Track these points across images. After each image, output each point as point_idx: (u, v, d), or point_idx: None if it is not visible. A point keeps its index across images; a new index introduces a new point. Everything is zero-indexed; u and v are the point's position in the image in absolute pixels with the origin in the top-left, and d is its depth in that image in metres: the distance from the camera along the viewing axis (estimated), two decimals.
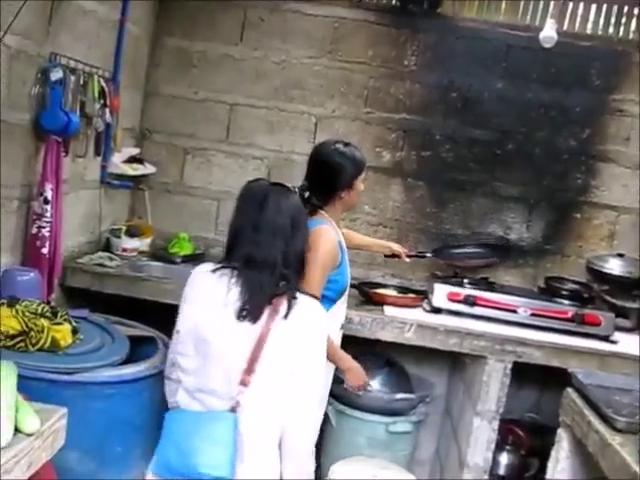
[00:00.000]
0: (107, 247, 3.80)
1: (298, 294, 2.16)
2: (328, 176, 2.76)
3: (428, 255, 3.76)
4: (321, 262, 2.61)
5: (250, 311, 2.09)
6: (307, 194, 2.72)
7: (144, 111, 4.14)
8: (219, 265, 2.20)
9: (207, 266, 2.22)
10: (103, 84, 3.31)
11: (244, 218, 2.20)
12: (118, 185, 3.78)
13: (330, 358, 2.63)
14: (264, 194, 2.21)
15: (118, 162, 3.70)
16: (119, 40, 3.53)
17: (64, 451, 1.78)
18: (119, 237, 3.78)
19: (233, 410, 2.05)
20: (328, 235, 2.68)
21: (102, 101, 3.31)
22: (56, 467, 1.88)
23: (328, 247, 2.66)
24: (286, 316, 2.09)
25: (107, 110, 3.35)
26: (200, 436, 2.03)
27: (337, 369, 2.86)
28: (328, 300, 2.72)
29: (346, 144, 2.81)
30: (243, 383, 2.06)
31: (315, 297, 2.36)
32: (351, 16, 4.04)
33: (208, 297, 2.16)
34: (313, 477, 2.25)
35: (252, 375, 2.06)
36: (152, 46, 4.09)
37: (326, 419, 3.43)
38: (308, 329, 2.14)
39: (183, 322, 2.19)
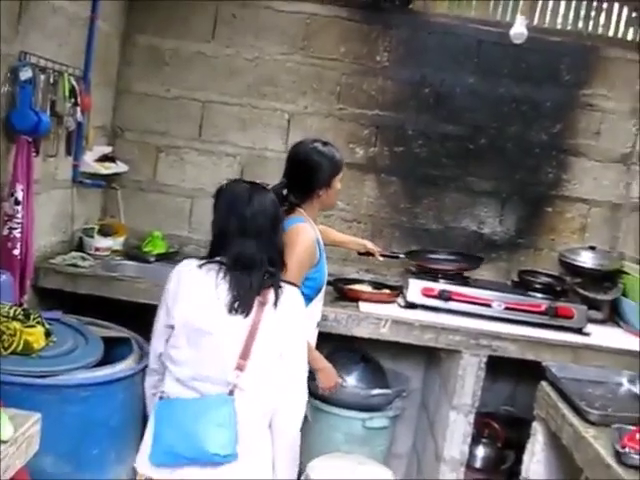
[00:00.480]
0: (80, 247, 3.76)
1: (282, 283, 2.31)
2: (306, 174, 2.77)
3: (401, 256, 3.76)
4: (299, 260, 2.63)
5: (241, 306, 2.22)
6: (285, 192, 2.74)
7: (116, 109, 4.10)
8: (204, 261, 2.31)
9: (192, 262, 2.33)
10: (74, 82, 3.27)
11: (229, 218, 2.29)
12: (90, 184, 3.73)
13: None
14: (248, 195, 2.30)
15: (90, 161, 3.66)
16: (89, 38, 3.49)
17: (39, 455, 1.76)
18: (92, 236, 3.75)
19: (231, 393, 2.18)
20: (306, 233, 2.69)
21: (73, 100, 3.27)
22: (31, 471, 1.86)
23: (306, 245, 2.67)
24: (275, 305, 2.25)
25: (78, 109, 3.32)
26: (205, 420, 2.14)
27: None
28: (305, 298, 2.72)
29: (324, 143, 2.83)
30: (239, 368, 2.19)
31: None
32: (323, 12, 4.03)
33: (198, 292, 2.26)
34: (297, 451, 2.38)
35: (247, 360, 2.20)
36: (123, 44, 4.04)
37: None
38: (293, 314, 2.31)
39: (175, 317, 2.27)
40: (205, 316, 2.23)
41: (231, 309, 2.22)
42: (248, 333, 2.21)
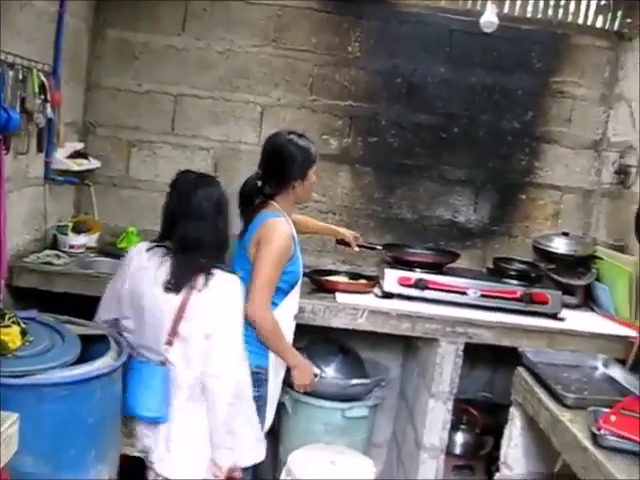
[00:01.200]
0: (54, 245, 3.72)
1: (214, 270, 2.53)
2: (281, 165, 2.79)
3: (378, 248, 3.77)
4: (276, 256, 2.65)
5: (174, 285, 2.50)
6: (260, 183, 2.76)
7: (87, 105, 4.05)
8: (153, 244, 2.63)
9: (143, 245, 2.67)
10: (43, 78, 3.23)
11: (177, 205, 2.58)
12: (62, 181, 3.70)
13: (280, 354, 2.70)
14: (194, 184, 2.58)
15: (62, 158, 3.62)
16: (58, 33, 3.43)
17: (18, 456, 1.75)
18: (66, 234, 3.71)
19: (163, 364, 2.51)
20: (282, 228, 2.70)
21: (43, 96, 3.23)
22: (11, 472, 1.84)
23: (282, 240, 2.69)
24: (200, 290, 2.49)
25: (48, 105, 3.27)
26: (138, 384, 2.49)
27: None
28: (280, 292, 2.73)
29: (300, 135, 2.85)
30: (168, 343, 2.50)
31: (266, 290, 2.66)
32: (294, 4, 4.01)
33: (142, 271, 2.57)
34: (231, 426, 2.57)
35: (175, 337, 2.49)
36: (93, 38, 3.99)
37: (282, 407, 3.45)
38: (221, 300, 2.52)
39: (124, 291, 2.61)
40: (145, 294, 2.53)
41: (166, 287, 2.50)
42: (177, 312, 2.48)
